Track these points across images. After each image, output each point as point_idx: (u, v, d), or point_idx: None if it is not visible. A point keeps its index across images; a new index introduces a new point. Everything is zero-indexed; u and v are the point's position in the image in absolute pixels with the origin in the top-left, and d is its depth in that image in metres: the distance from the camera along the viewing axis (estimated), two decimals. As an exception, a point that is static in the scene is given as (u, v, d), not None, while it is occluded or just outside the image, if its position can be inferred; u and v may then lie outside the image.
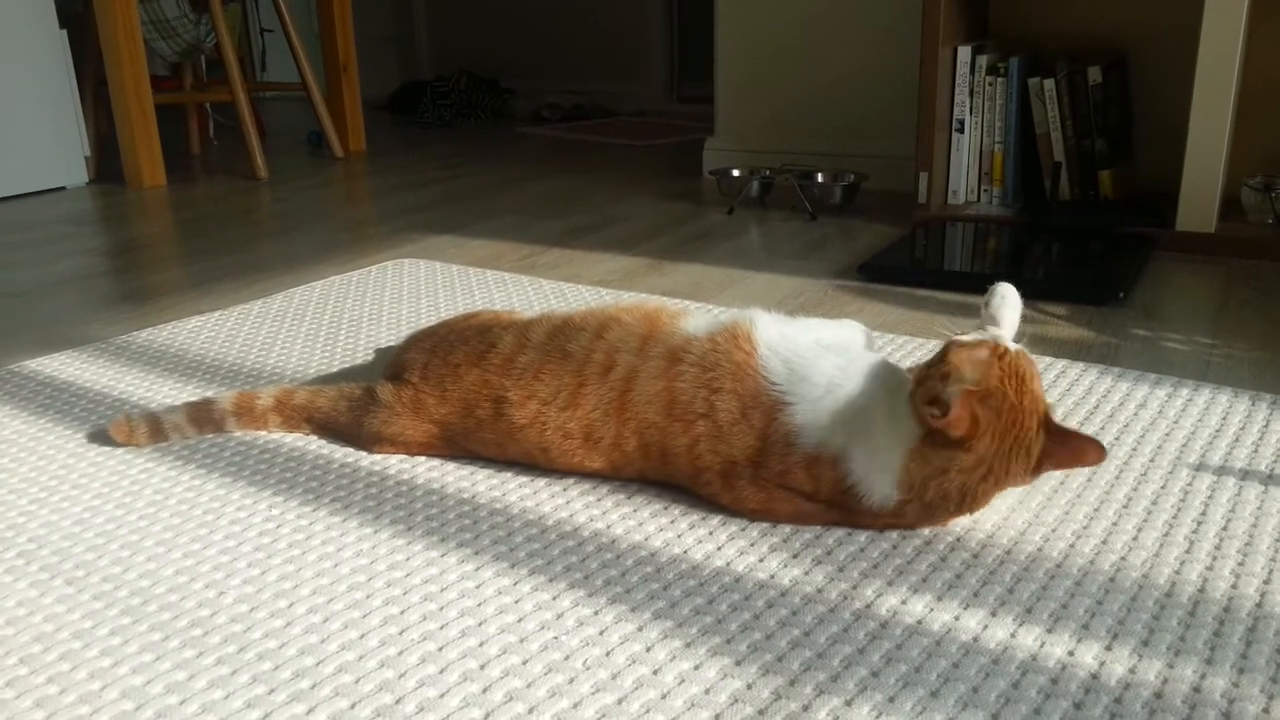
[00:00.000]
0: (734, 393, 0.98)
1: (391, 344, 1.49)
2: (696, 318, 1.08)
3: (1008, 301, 1.06)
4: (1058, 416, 0.95)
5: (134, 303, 1.81)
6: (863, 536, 0.95)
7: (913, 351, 1.43)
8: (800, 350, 1.00)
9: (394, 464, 1.12)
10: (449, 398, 1.09)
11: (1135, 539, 0.93)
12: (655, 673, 0.76)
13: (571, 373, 1.04)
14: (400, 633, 0.82)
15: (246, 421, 1.20)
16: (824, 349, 1.01)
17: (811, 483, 0.94)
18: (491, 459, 1.10)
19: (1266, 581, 0.86)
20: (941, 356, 0.92)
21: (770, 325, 1.04)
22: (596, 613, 0.84)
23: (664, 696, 0.73)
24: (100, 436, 1.20)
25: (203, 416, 1.19)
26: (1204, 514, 0.97)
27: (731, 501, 0.98)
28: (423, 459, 1.13)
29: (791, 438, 0.95)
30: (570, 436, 1.03)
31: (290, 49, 3.29)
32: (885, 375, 0.98)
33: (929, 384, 0.91)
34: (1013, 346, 0.94)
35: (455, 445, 1.11)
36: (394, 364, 1.17)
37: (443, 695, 0.74)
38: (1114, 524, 0.95)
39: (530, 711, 0.72)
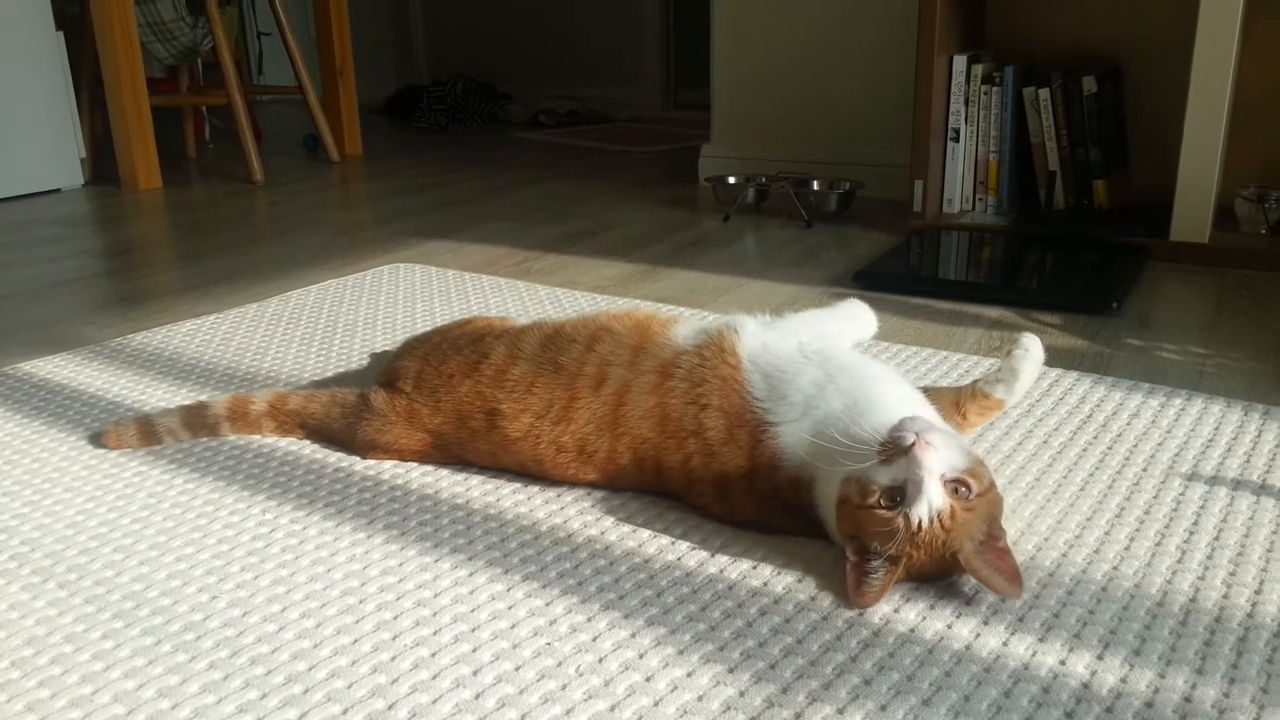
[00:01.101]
0: (721, 410, 0.97)
1: (387, 349, 1.49)
2: (686, 327, 1.07)
3: (1030, 355, 1.06)
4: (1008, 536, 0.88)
5: (129, 305, 1.80)
6: (856, 544, 0.94)
7: (907, 359, 1.43)
8: (781, 364, 0.99)
9: (388, 470, 1.12)
10: (442, 408, 1.08)
11: (1127, 549, 0.93)
12: (648, 679, 0.76)
13: (564, 386, 1.03)
14: (393, 638, 0.82)
15: (240, 426, 1.20)
16: (805, 359, 0.99)
17: (800, 499, 0.93)
18: (486, 467, 1.10)
19: (1258, 591, 0.86)
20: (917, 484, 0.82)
21: (754, 335, 1.03)
22: (590, 619, 0.84)
23: (657, 703, 0.73)
24: (94, 440, 1.20)
25: (197, 420, 1.19)
26: (1196, 524, 0.97)
27: (726, 514, 0.98)
28: (416, 465, 1.13)
29: (777, 459, 0.94)
30: (564, 450, 1.03)
31: (287, 52, 3.30)
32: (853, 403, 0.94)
33: (872, 519, 0.83)
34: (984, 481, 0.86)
35: (449, 454, 1.11)
36: (387, 371, 1.17)
37: (435, 701, 0.74)
38: (1106, 533, 0.96)
39: (523, 718, 0.72)
